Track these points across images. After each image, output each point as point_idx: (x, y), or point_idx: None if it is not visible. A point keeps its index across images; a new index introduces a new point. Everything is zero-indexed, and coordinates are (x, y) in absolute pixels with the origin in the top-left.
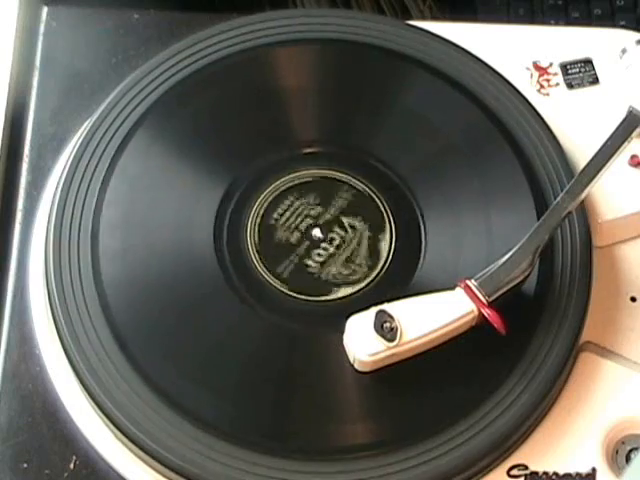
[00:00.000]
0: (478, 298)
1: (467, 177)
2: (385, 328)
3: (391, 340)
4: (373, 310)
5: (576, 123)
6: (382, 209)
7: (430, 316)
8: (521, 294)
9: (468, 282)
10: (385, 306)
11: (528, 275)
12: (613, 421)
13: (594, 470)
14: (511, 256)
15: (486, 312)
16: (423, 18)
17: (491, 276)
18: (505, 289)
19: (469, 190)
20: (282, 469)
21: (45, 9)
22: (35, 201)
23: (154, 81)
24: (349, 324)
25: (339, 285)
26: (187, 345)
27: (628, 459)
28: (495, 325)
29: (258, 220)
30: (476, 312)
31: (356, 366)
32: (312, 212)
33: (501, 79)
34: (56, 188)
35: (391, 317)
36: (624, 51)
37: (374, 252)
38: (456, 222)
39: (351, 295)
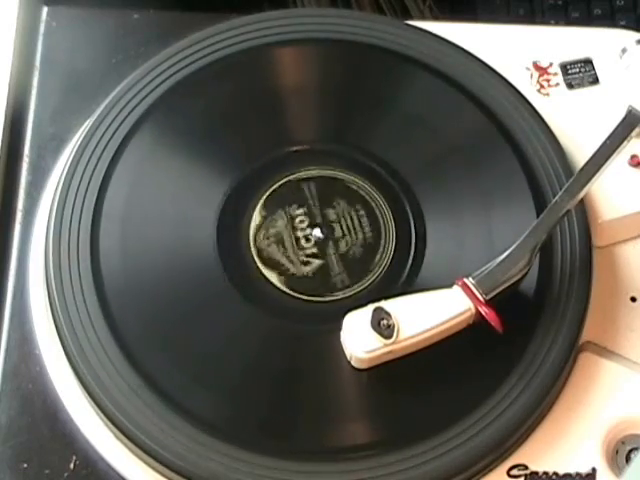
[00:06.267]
0: (475, 296)
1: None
2: (382, 325)
3: (388, 337)
4: (370, 307)
5: (576, 123)
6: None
7: (427, 313)
8: (521, 294)
9: (465, 280)
10: (382, 303)
11: (526, 274)
12: (613, 421)
13: (594, 470)
14: (509, 254)
15: (483, 310)
16: (423, 18)
17: (488, 274)
18: (502, 287)
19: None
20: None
21: (45, 9)
22: (35, 201)
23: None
24: (346, 321)
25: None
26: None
27: (628, 459)
28: (492, 323)
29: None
30: (473, 310)
31: (353, 363)
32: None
33: (501, 79)
34: (56, 188)
35: (388, 314)
36: (624, 51)
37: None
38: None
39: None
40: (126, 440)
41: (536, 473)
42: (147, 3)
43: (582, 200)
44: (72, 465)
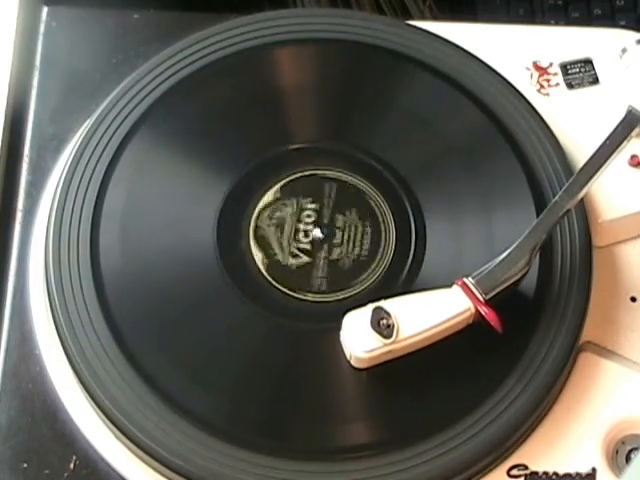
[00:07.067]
0: (475, 296)
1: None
2: (382, 325)
3: (388, 337)
4: (370, 307)
5: (576, 123)
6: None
7: (427, 313)
8: (521, 294)
9: (465, 280)
10: (382, 303)
11: (525, 273)
12: (613, 421)
13: (594, 470)
14: (508, 254)
15: (483, 310)
16: (423, 18)
17: (488, 274)
18: (502, 287)
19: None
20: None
21: (45, 9)
22: (35, 201)
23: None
24: (346, 320)
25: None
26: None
27: (628, 459)
28: (492, 323)
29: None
30: (473, 310)
31: (352, 362)
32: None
33: (501, 79)
34: (56, 188)
35: (388, 314)
36: (624, 51)
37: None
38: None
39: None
40: (126, 440)
41: (536, 473)
42: (147, 3)
43: (582, 200)
44: (72, 465)
